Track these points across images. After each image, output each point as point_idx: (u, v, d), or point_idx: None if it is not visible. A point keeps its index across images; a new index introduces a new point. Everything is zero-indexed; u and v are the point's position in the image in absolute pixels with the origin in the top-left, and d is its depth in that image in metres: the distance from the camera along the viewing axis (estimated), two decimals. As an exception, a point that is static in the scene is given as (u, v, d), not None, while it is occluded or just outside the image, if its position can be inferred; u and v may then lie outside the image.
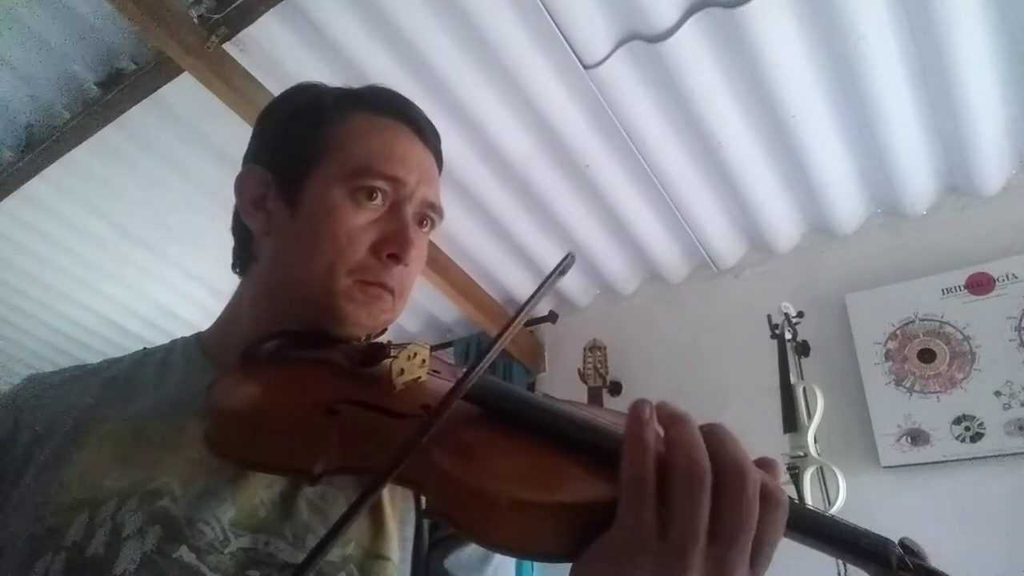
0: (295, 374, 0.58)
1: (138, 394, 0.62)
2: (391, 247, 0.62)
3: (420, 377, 0.54)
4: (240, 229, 0.69)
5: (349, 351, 0.59)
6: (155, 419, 0.59)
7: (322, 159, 0.64)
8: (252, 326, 0.65)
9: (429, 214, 0.68)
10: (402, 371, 0.53)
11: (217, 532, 0.53)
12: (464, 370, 0.47)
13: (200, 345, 0.69)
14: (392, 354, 0.54)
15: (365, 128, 0.66)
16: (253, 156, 0.70)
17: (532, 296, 0.49)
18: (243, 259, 0.70)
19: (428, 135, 0.70)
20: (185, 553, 0.51)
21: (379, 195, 0.63)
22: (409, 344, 0.55)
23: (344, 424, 0.48)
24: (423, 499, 0.47)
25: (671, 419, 0.41)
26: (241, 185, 0.68)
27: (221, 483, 0.55)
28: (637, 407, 0.40)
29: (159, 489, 0.53)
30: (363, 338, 0.64)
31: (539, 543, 0.41)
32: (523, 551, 0.42)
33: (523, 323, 0.51)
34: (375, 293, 0.62)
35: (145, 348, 0.70)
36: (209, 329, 0.71)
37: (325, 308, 0.61)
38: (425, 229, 0.68)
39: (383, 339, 0.68)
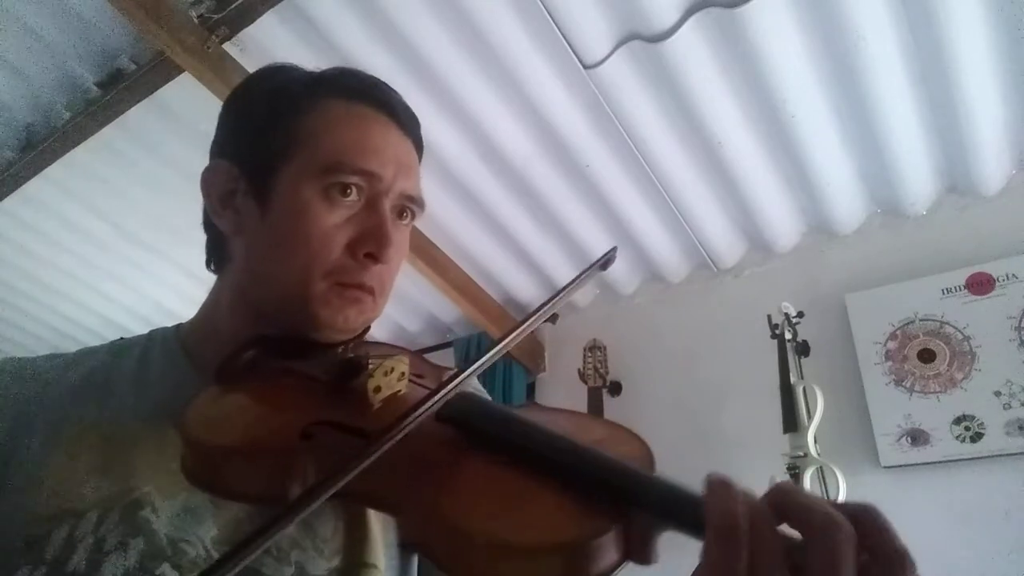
0: (268, 395, 0.56)
1: (116, 392, 0.60)
2: (368, 246, 0.59)
3: (399, 391, 0.52)
4: (211, 225, 0.65)
5: (326, 365, 0.56)
6: (134, 422, 0.57)
7: (292, 153, 0.60)
8: (230, 327, 0.62)
9: (408, 206, 0.64)
10: (379, 388, 0.50)
11: (199, 550, 0.51)
12: (448, 375, 0.45)
13: (179, 340, 0.66)
14: (369, 370, 0.51)
15: (336, 118, 0.61)
16: (219, 150, 0.65)
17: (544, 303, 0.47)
18: (217, 257, 0.67)
19: (405, 121, 0.65)
20: (168, 570, 0.50)
21: (354, 191, 0.59)
22: (387, 359, 0.53)
23: (319, 448, 0.46)
24: (399, 527, 0.46)
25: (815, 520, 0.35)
26: (207, 182, 0.64)
27: (203, 501, 0.53)
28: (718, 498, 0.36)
29: (140, 500, 0.52)
30: (344, 341, 0.62)
31: None
32: None
33: (527, 331, 0.49)
34: (353, 296, 0.59)
35: (122, 338, 0.67)
36: (189, 323, 0.68)
37: (300, 313, 0.58)
38: (405, 221, 0.65)
39: (367, 338, 0.65)
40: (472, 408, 0.49)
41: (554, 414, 0.52)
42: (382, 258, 0.59)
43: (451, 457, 0.46)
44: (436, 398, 0.43)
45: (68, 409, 0.58)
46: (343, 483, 0.39)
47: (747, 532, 0.35)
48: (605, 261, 0.57)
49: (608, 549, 0.38)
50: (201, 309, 0.67)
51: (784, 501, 0.36)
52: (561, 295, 0.55)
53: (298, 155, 0.60)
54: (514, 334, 0.50)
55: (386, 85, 0.66)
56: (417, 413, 0.42)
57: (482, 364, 0.47)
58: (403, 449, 0.44)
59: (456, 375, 0.45)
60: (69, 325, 3.25)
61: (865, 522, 0.35)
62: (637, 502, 0.40)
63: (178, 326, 0.68)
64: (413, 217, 0.66)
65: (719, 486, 0.37)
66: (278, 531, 0.37)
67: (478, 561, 0.39)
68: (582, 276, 0.57)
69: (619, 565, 0.39)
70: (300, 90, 0.63)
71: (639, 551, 0.39)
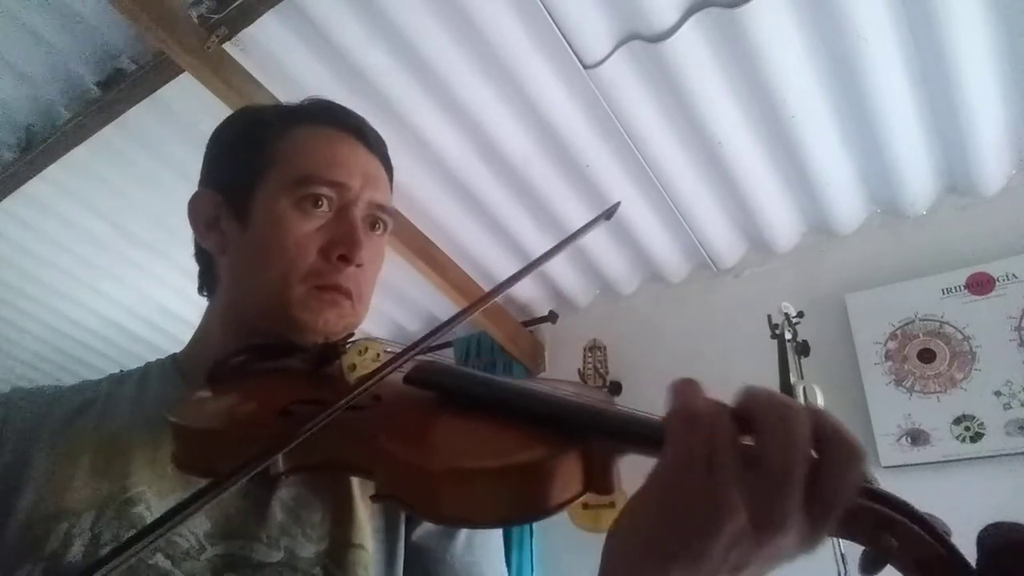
0: (251, 386, 0.59)
1: (115, 411, 0.64)
2: (340, 248, 0.63)
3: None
4: (201, 253, 0.71)
5: (305, 355, 0.60)
6: (131, 433, 0.61)
7: (267, 174, 0.65)
8: (222, 344, 0.66)
9: (379, 216, 0.68)
10: (354, 366, 0.53)
11: (192, 542, 0.54)
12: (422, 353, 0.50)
13: (175, 365, 0.70)
14: (344, 350, 0.55)
15: (305, 139, 0.67)
16: (204, 180, 0.72)
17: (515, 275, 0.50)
18: (208, 281, 0.72)
19: (371, 140, 0.71)
20: (161, 560, 0.52)
21: (324, 202, 0.64)
22: (360, 339, 0.56)
23: (297, 424, 0.49)
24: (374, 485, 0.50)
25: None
26: (193, 209, 0.69)
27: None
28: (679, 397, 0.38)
29: (134, 498, 0.55)
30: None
31: (484, 511, 0.42)
32: (471, 520, 0.43)
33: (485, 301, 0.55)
34: (330, 298, 0.63)
35: (121, 370, 0.72)
36: (184, 350, 0.72)
37: (282, 318, 0.62)
38: (378, 232, 0.69)
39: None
40: (438, 369, 0.54)
41: (525, 381, 0.57)
42: (354, 259, 0.63)
43: (421, 413, 0.50)
44: (400, 361, 0.47)
45: (69, 426, 0.62)
46: (303, 438, 0.43)
47: (708, 421, 0.36)
48: (609, 212, 0.64)
49: (567, 475, 0.41)
50: (194, 334, 0.72)
51: (748, 399, 0.37)
52: (567, 242, 0.62)
53: (273, 175, 0.65)
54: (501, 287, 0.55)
55: (351, 111, 0.72)
56: (379, 376, 0.46)
57: (459, 317, 0.53)
58: (376, 413, 0.49)
59: (424, 338, 0.49)
60: (69, 325, 3.25)
61: (815, 419, 0.36)
62: (593, 427, 0.43)
63: (174, 355, 0.72)
64: (385, 228, 0.70)
65: (685, 382, 0.38)
66: (245, 476, 0.41)
67: (444, 494, 0.42)
68: (589, 225, 0.65)
69: (581, 494, 0.42)
70: (273, 120, 0.69)
71: (599, 479, 0.43)
